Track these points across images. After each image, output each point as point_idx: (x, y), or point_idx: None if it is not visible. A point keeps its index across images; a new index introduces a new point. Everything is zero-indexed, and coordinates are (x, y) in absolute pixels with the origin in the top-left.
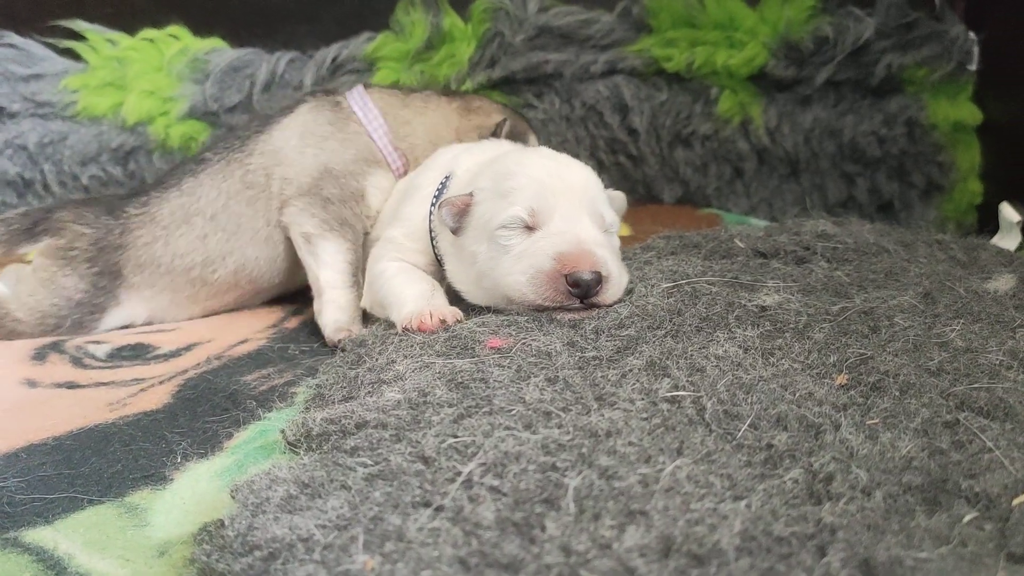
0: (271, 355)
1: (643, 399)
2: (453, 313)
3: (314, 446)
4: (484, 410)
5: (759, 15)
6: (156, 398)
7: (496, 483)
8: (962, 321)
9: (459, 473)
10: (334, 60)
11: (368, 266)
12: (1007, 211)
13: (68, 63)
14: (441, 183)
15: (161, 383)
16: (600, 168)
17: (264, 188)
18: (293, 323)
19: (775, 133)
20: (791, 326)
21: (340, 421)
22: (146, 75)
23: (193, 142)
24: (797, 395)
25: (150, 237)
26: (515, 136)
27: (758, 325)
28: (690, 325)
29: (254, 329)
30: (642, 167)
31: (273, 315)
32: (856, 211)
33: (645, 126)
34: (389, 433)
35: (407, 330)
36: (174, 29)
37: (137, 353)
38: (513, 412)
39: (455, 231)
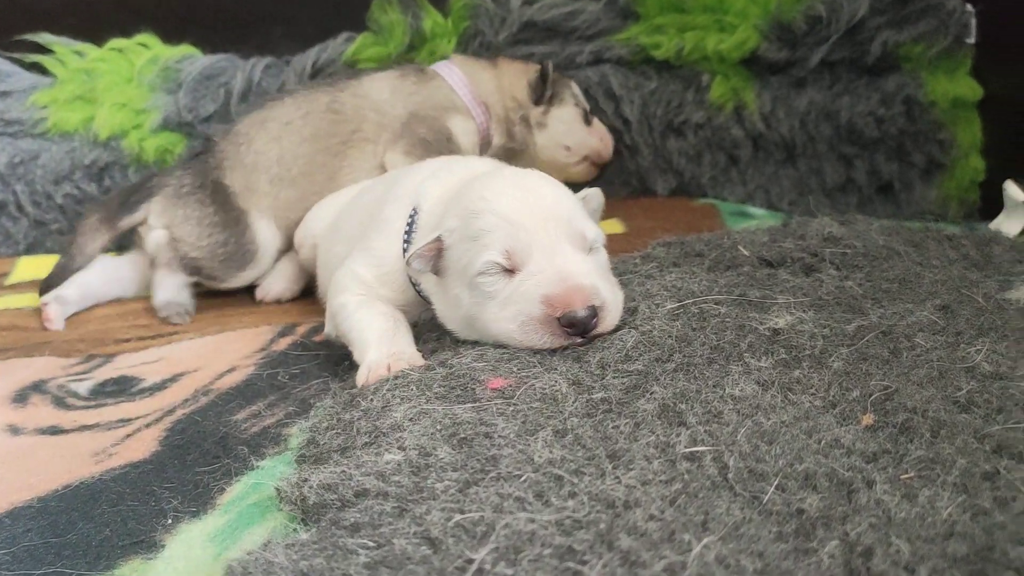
0: (260, 385)
1: (660, 457)
2: (411, 360)
3: (312, 517)
4: (492, 475)
5: None
6: (143, 446)
7: (510, 573)
8: (986, 340)
9: (470, 561)
10: (314, 64)
11: (330, 294)
12: (1012, 189)
13: (35, 78)
14: (410, 218)
15: (148, 426)
16: None
17: (348, 119)
18: (282, 344)
19: (770, 118)
20: (807, 352)
21: (338, 488)
22: (116, 87)
23: (169, 155)
24: (823, 443)
25: (233, 146)
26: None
27: (772, 353)
28: (701, 356)
29: (241, 354)
30: (636, 158)
31: (261, 337)
32: (855, 194)
33: (636, 116)
34: (391, 505)
35: (366, 387)
36: (143, 37)
37: (121, 387)
38: (523, 478)
39: (436, 272)
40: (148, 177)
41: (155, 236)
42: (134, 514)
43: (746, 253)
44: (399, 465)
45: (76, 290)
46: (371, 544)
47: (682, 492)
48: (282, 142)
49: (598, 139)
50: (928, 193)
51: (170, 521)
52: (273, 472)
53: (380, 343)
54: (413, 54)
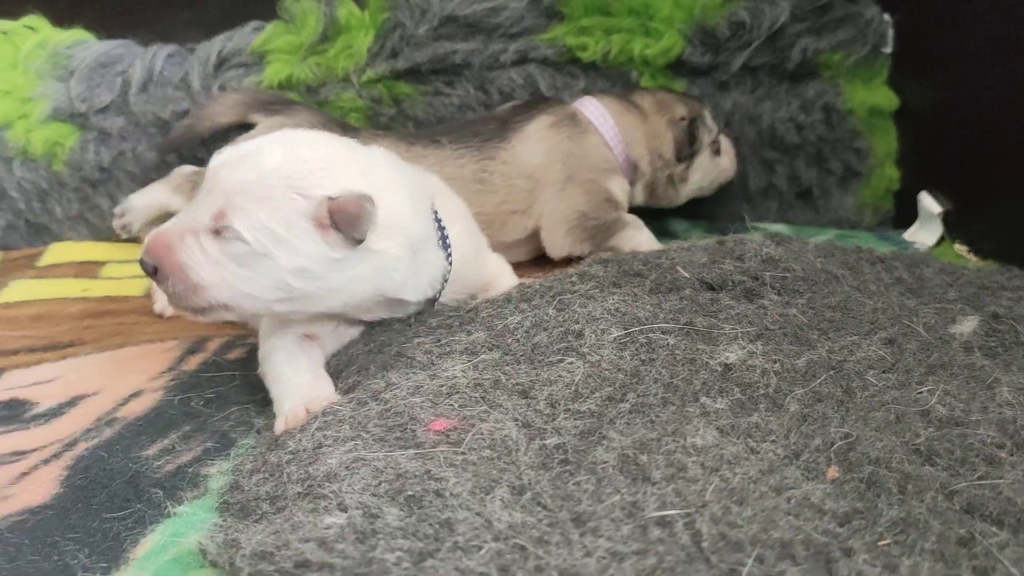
0: (172, 413)
1: (628, 521)
2: (330, 400)
3: None
4: (448, 545)
5: (674, 1)
6: (42, 487)
7: None
8: (937, 379)
9: None
10: (220, 54)
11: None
12: (927, 201)
13: None
14: None
15: (46, 462)
16: None
17: (496, 191)
18: (191, 364)
19: None
20: (761, 392)
21: (274, 559)
22: (0, 72)
23: (59, 147)
24: (792, 502)
25: None
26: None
27: (727, 392)
28: (655, 396)
29: (147, 375)
30: None
31: (167, 355)
32: (776, 199)
33: None
34: None
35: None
36: (30, 19)
37: (13, 413)
38: (483, 549)
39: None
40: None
41: None
42: (36, 571)
43: (686, 275)
44: (342, 530)
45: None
46: None
47: (657, 567)
48: None
49: (728, 162)
50: (845, 200)
51: None
52: (193, 520)
53: (297, 393)
54: (327, 46)
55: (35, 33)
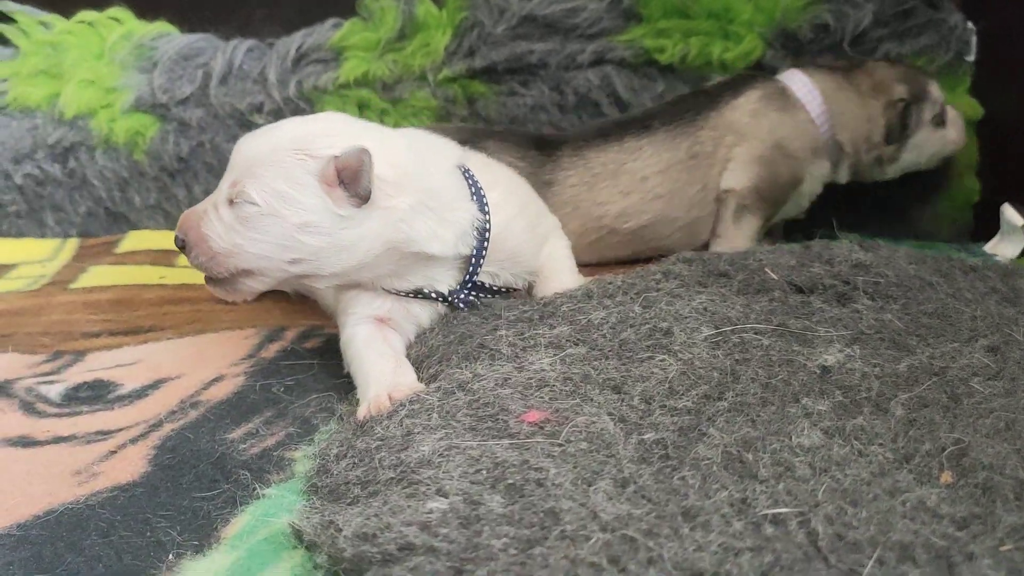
0: (254, 398)
1: (739, 518)
2: (413, 388)
3: (352, 572)
4: (555, 534)
5: (754, 3)
6: (130, 466)
7: None
8: None
9: None
10: (298, 50)
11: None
12: (1010, 213)
13: None
14: None
15: (133, 442)
16: None
17: (709, 156)
18: (270, 352)
19: None
20: (863, 396)
21: (377, 540)
22: (85, 62)
23: (140, 137)
24: (908, 505)
25: (578, 180)
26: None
27: (828, 395)
28: (753, 396)
29: (228, 361)
30: None
31: (246, 342)
32: (856, 212)
33: None
34: (444, 565)
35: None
36: (115, 11)
37: (96, 393)
38: (592, 540)
39: None
40: (482, 131)
41: None
42: (129, 547)
43: (774, 277)
44: (444, 515)
45: None
46: None
47: (775, 564)
48: (630, 198)
49: (955, 134)
50: (923, 211)
51: (171, 556)
52: (281, 503)
53: (380, 382)
54: (404, 43)
55: (120, 25)
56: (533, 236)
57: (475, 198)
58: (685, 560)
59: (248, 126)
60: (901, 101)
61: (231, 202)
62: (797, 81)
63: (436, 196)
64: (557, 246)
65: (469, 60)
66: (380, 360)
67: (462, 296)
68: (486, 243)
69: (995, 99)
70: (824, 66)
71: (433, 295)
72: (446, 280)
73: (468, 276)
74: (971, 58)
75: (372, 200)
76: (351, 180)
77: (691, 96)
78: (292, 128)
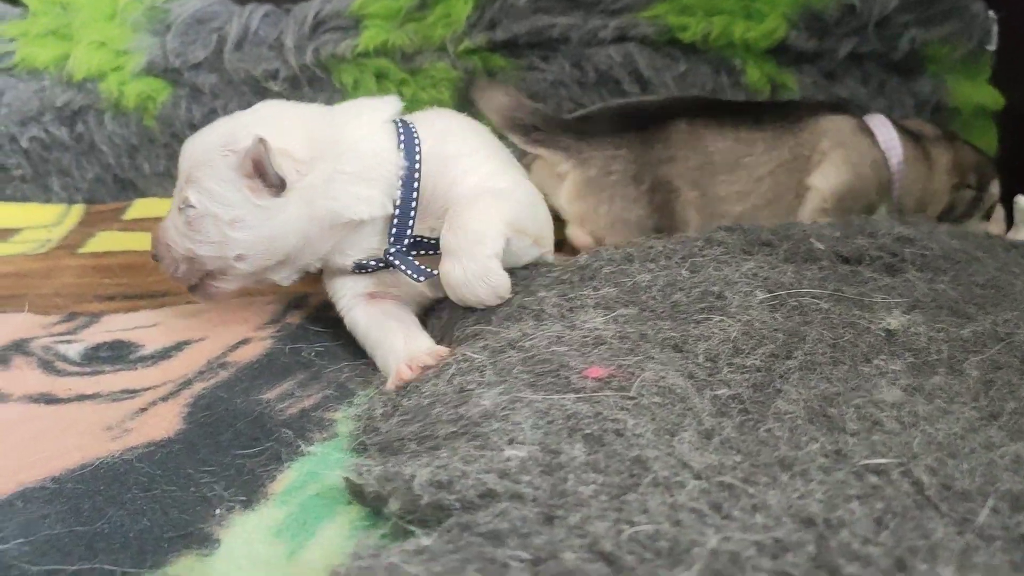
0: (285, 361)
1: (840, 468)
2: (432, 351)
3: (429, 520)
4: (647, 480)
5: None
6: (164, 423)
7: None
8: None
9: None
10: (316, 16)
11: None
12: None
13: (3, 7)
14: None
15: (164, 400)
16: None
17: (806, 160)
18: (295, 318)
19: None
20: (935, 358)
21: (454, 487)
22: (95, 24)
23: (151, 102)
24: (1007, 459)
25: (696, 163)
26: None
27: (898, 356)
28: (823, 355)
29: (252, 325)
30: None
31: (269, 308)
32: None
33: None
34: (533, 512)
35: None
36: None
37: (117, 354)
38: (687, 486)
39: None
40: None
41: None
42: (174, 502)
43: (821, 247)
44: (523, 463)
45: None
46: (526, 556)
47: (887, 510)
48: (746, 202)
49: (995, 230)
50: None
51: (220, 511)
52: (327, 460)
53: (395, 354)
54: (425, 12)
55: None
56: (480, 188)
57: (403, 147)
58: (792, 506)
59: (262, 93)
60: (970, 189)
61: (179, 208)
62: (882, 130)
63: (354, 158)
64: (496, 191)
65: (490, 32)
66: (387, 337)
67: (392, 252)
68: (415, 193)
69: (1013, 91)
70: (910, 130)
71: (372, 264)
72: (375, 233)
73: (394, 227)
74: (992, 47)
75: (289, 185)
76: (261, 171)
77: (788, 102)
78: (223, 124)
